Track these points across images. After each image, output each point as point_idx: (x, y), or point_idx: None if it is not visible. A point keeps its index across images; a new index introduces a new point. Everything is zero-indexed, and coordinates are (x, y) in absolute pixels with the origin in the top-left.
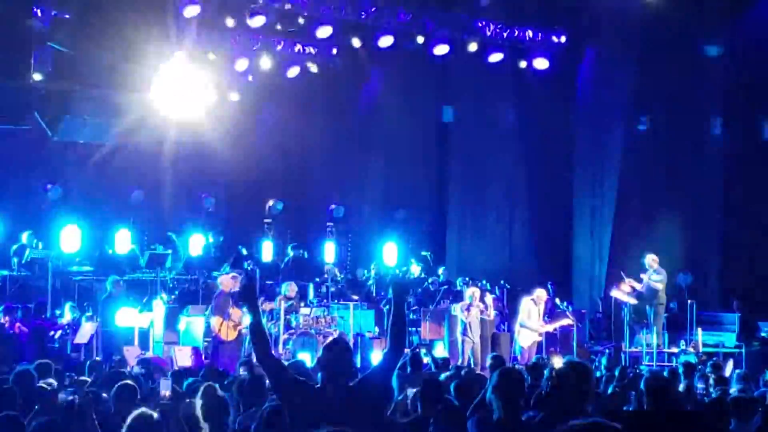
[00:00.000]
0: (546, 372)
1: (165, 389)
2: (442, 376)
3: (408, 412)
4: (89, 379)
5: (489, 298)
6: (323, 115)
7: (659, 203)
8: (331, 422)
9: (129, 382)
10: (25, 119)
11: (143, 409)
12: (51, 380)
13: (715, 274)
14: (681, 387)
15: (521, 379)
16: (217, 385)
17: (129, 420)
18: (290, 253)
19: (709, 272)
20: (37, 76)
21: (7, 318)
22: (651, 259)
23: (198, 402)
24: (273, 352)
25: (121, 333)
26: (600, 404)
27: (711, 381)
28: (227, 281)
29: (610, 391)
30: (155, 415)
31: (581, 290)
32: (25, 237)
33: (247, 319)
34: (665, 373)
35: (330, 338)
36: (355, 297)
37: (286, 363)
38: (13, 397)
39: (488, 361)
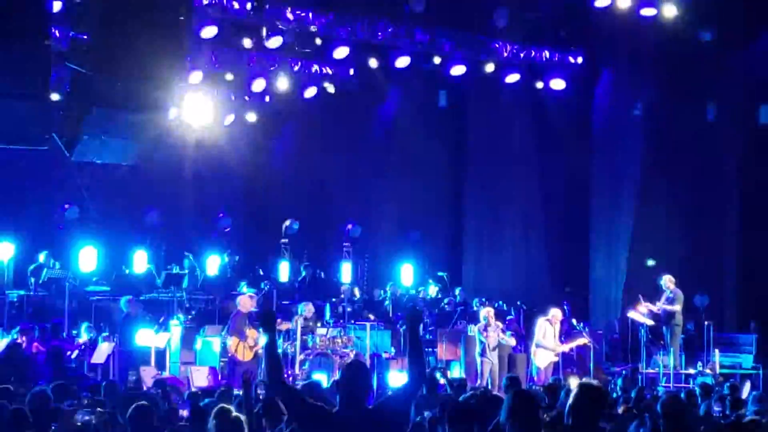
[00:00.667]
0: (562, 393)
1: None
2: (461, 398)
3: None
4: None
5: (512, 340)
6: (340, 135)
7: (677, 224)
8: None
9: (145, 403)
10: (43, 140)
11: None
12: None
13: (732, 296)
14: (702, 410)
15: (535, 401)
16: (232, 407)
17: None
18: (303, 272)
19: (726, 293)
20: (54, 97)
21: (24, 338)
22: (668, 280)
23: (211, 422)
24: (286, 375)
25: (137, 353)
26: (617, 427)
27: (728, 403)
28: (245, 302)
29: (627, 412)
30: None
31: (598, 311)
32: (42, 257)
33: (263, 340)
34: (682, 395)
35: (348, 360)
36: (372, 317)
37: (300, 384)
38: (25, 419)
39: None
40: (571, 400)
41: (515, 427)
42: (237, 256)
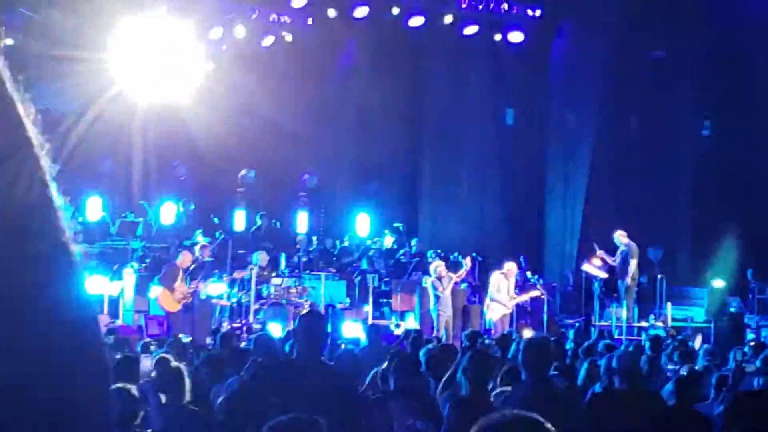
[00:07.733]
0: (513, 345)
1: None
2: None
3: (378, 387)
4: None
5: (468, 261)
6: (297, 85)
7: (631, 177)
8: (303, 395)
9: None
10: None
11: (121, 384)
12: None
13: (685, 249)
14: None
15: (490, 361)
16: (171, 356)
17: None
18: (258, 221)
19: (679, 247)
20: (9, 41)
21: None
22: (620, 235)
23: (153, 372)
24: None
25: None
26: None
27: (677, 356)
28: (186, 258)
29: (580, 366)
30: (134, 389)
31: (553, 264)
32: None
33: (189, 294)
34: (631, 348)
35: (302, 310)
36: (328, 268)
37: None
38: None
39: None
40: (519, 355)
41: (469, 384)
42: (192, 204)
